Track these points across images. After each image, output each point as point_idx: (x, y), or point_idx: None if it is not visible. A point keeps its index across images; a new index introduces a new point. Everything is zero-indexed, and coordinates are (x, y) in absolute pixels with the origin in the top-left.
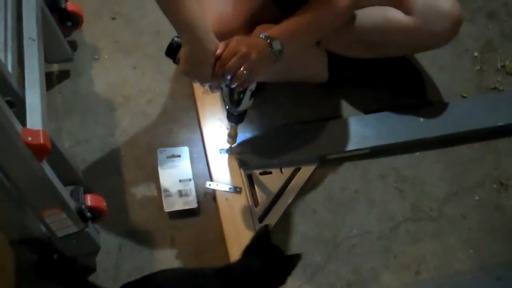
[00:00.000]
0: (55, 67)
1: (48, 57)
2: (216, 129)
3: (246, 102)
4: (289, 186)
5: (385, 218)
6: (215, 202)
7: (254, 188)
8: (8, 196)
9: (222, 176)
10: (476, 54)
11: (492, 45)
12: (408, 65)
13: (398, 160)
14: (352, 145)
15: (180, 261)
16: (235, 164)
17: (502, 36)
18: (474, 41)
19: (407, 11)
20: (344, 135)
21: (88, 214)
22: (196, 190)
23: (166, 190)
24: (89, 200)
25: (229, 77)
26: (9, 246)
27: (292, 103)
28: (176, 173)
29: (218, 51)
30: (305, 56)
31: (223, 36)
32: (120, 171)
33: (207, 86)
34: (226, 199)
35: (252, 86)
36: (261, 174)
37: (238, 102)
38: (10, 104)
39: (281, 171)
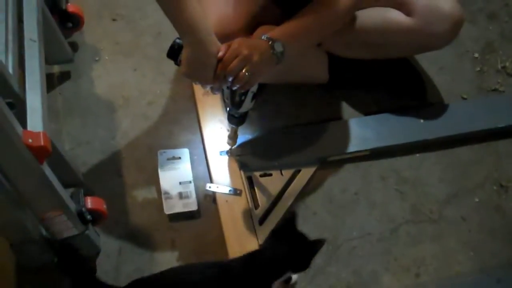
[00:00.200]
0: (56, 69)
1: (48, 59)
2: (216, 131)
3: (248, 104)
4: (289, 188)
5: (385, 220)
6: (215, 204)
7: (254, 190)
8: (8, 198)
9: (222, 178)
10: (476, 55)
11: (492, 46)
12: (408, 66)
13: (398, 161)
14: (352, 147)
15: (181, 263)
16: (235, 166)
17: (502, 37)
18: (475, 42)
19: (407, 12)
20: (345, 137)
21: (89, 217)
22: (196, 192)
23: (166, 192)
24: (90, 202)
25: (230, 79)
26: (9, 248)
27: (293, 104)
28: (176, 175)
29: (220, 53)
30: (306, 57)
31: (224, 37)
32: (121, 173)
33: (208, 88)
34: (226, 201)
35: (254, 88)
36: (261, 176)
37: (239, 104)
38: (11, 105)
39: (281, 173)
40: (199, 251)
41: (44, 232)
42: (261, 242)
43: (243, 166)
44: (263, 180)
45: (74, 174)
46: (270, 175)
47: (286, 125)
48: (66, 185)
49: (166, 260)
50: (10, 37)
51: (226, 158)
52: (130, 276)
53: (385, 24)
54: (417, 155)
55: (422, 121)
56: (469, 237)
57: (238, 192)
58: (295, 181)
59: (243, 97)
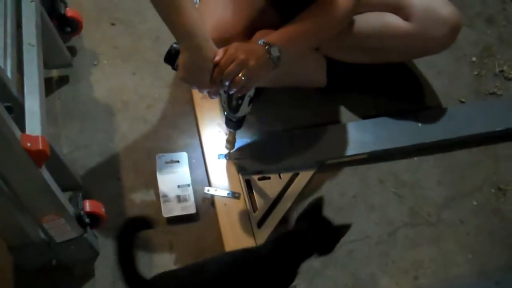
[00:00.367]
0: (55, 73)
1: (47, 63)
2: (214, 135)
3: (245, 108)
4: (287, 191)
5: (383, 223)
6: (214, 208)
7: (252, 193)
8: (7, 201)
9: (220, 181)
10: (474, 59)
11: (490, 50)
12: (406, 70)
13: (396, 165)
14: (350, 150)
15: (179, 266)
16: (234, 169)
17: (500, 41)
18: (473, 46)
19: (405, 17)
20: (343, 140)
21: (87, 220)
22: (195, 196)
23: (164, 196)
24: (88, 206)
25: (227, 84)
26: (7, 251)
27: (291, 108)
28: (174, 179)
29: (217, 58)
30: (304, 61)
31: (222, 42)
32: (119, 176)
33: (205, 92)
34: (225, 204)
35: (251, 92)
36: (259, 179)
37: (236, 108)
38: (9, 109)
39: (280, 177)
40: (197, 254)
41: (42, 235)
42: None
43: (241, 169)
44: (261, 183)
45: (73, 178)
46: (269, 178)
47: (284, 128)
48: (64, 189)
49: (164, 263)
50: (9, 41)
51: (224, 161)
52: None
53: (383, 29)
54: (415, 158)
55: (420, 124)
56: (467, 240)
57: (236, 195)
58: (293, 184)
59: (240, 102)
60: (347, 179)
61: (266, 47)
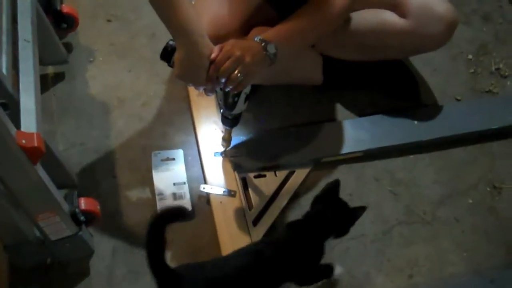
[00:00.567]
0: (50, 69)
1: (43, 59)
2: (210, 132)
3: (241, 106)
4: (283, 189)
5: (379, 221)
6: (209, 205)
7: (248, 191)
8: (1, 199)
9: (216, 179)
10: (470, 56)
11: (486, 48)
12: (403, 67)
13: (392, 163)
14: (346, 148)
15: (174, 264)
16: (229, 167)
17: (496, 38)
18: (469, 44)
19: (401, 14)
20: (339, 138)
21: (82, 218)
22: (191, 193)
23: (160, 193)
24: (83, 203)
25: (223, 81)
26: (2, 249)
27: (287, 105)
28: (170, 176)
29: (213, 55)
30: (300, 59)
31: (218, 39)
32: (115, 174)
33: (201, 90)
34: (220, 202)
35: (247, 90)
36: (255, 177)
37: (232, 106)
38: (4, 106)
39: (276, 174)
40: (193, 252)
41: (37, 233)
42: None
43: (237, 167)
44: (257, 181)
45: (68, 175)
46: (264, 176)
47: (280, 126)
48: (59, 186)
49: None
50: (4, 38)
51: (220, 159)
52: (123, 277)
53: (379, 26)
54: (411, 156)
55: (416, 122)
56: (462, 238)
57: (232, 193)
58: (289, 182)
59: (236, 99)
60: (343, 177)
61: (263, 44)
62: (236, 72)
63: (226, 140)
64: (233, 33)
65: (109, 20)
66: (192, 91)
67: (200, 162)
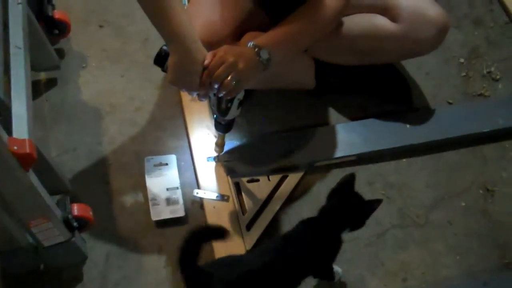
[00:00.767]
0: (42, 75)
1: (35, 65)
2: (203, 137)
3: (234, 111)
4: (276, 194)
5: (372, 225)
6: (203, 210)
7: (241, 196)
8: None
9: (209, 184)
10: (462, 60)
11: (478, 52)
12: (395, 71)
13: (385, 166)
14: (339, 152)
15: (168, 269)
16: (223, 172)
17: (488, 42)
18: (460, 48)
19: (393, 18)
20: (332, 142)
21: (75, 224)
22: (184, 199)
23: (153, 199)
24: (76, 209)
25: (216, 86)
26: None
27: (279, 110)
28: (163, 182)
29: (206, 61)
30: (292, 63)
31: (211, 44)
32: (108, 179)
33: (195, 95)
34: (214, 207)
35: (240, 95)
36: (248, 181)
37: (225, 111)
38: None
39: (269, 179)
40: None
41: (30, 239)
42: (248, 247)
43: (230, 172)
44: (250, 185)
45: (61, 181)
46: (258, 180)
47: (273, 130)
48: (52, 192)
49: (154, 266)
50: None
51: (213, 164)
52: (117, 283)
53: (371, 30)
54: (404, 160)
55: (408, 126)
56: (455, 241)
57: (225, 198)
58: (282, 186)
59: (229, 104)
60: (336, 181)
61: (256, 50)
62: (229, 78)
63: (219, 145)
64: (226, 39)
65: (101, 26)
66: (185, 96)
67: (193, 167)
